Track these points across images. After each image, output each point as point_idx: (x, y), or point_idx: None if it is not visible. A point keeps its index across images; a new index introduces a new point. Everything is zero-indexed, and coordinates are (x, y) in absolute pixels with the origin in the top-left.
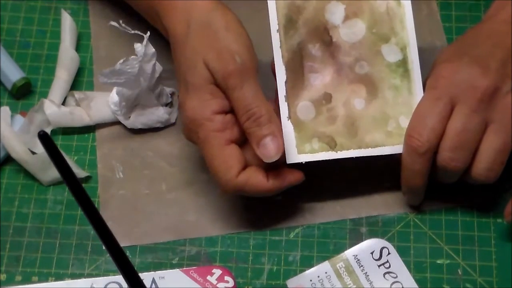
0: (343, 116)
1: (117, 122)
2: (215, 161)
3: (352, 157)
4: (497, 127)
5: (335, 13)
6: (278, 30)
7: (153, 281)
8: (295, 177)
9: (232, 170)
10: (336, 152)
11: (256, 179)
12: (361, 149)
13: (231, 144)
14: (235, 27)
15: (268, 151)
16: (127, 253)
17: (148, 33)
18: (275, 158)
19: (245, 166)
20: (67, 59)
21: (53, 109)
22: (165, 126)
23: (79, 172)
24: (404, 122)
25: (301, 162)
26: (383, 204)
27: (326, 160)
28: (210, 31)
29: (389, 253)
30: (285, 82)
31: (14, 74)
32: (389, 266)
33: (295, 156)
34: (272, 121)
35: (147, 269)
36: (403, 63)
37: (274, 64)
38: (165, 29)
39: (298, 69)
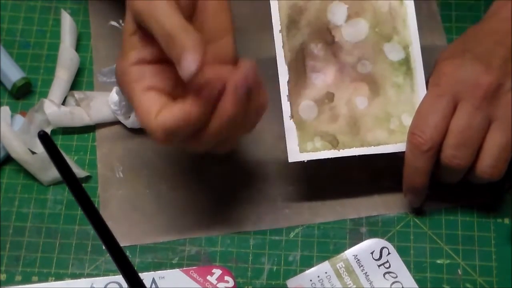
0: (345, 115)
1: (117, 122)
2: (137, 110)
3: (354, 156)
4: (501, 124)
5: (338, 14)
6: (280, 31)
7: (153, 281)
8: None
9: (151, 113)
10: (339, 150)
11: (172, 109)
12: (363, 147)
13: (150, 91)
14: None
15: (187, 64)
16: (127, 253)
17: None
18: (194, 68)
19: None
20: (67, 59)
21: (53, 109)
22: None
23: (79, 172)
24: (407, 120)
25: (303, 161)
26: (383, 204)
27: (328, 159)
28: None
29: (389, 253)
30: (288, 81)
31: (14, 74)
32: (389, 266)
33: (297, 155)
34: (189, 36)
35: (147, 269)
36: (406, 61)
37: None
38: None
39: (300, 68)
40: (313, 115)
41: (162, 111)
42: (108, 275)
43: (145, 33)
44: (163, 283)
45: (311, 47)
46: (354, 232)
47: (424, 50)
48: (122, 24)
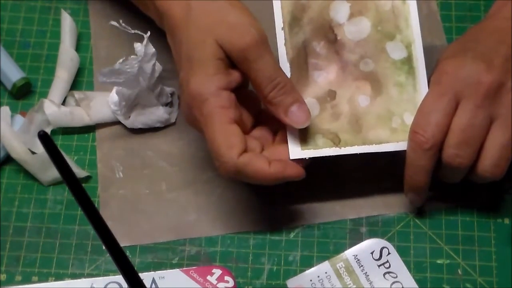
0: (347, 113)
1: (117, 122)
2: (217, 139)
3: (355, 155)
4: (502, 122)
5: (340, 12)
6: (283, 28)
7: (153, 281)
8: (296, 171)
9: (235, 149)
10: (340, 148)
11: (258, 163)
12: (365, 145)
13: (235, 124)
14: (238, 2)
15: (298, 117)
16: (127, 253)
17: (149, 33)
18: (306, 124)
19: (246, 150)
20: (67, 59)
21: (53, 109)
22: (165, 126)
23: (79, 172)
24: (409, 119)
25: (305, 158)
26: (383, 204)
27: (329, 157)
28: (213, 8)
29: (389, 253)
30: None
31: (14, 74)
32: (389, 266)
33: (298, 152)
34: (296, 89)
35: (147, 269)
36: (408, 60)
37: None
38: (158, 13)
39: (302, 66)
40: (315, 112)
41: (275, 163)
42: (108, 275)
43: (232, 63)
44: (163, 283)
45: (314, 45)
46: (354, 232)
47: (424, 50)
48: (123, 24)
